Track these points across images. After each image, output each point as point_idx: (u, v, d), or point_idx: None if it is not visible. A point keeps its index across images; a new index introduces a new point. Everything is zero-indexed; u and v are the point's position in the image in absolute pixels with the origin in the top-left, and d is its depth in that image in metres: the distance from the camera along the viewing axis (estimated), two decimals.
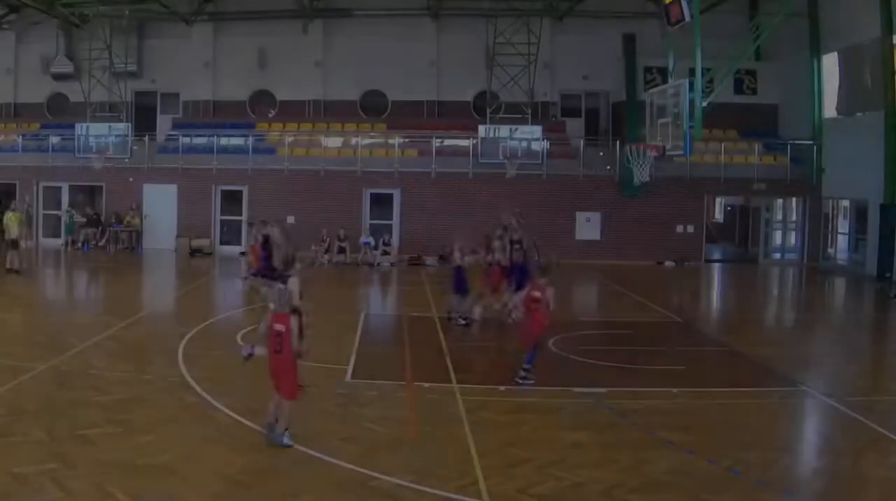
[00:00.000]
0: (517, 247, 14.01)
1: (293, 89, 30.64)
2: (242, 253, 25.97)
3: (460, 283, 14.31)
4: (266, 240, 15.06)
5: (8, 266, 19.44)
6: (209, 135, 27.94)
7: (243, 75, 30.83)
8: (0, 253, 19.96)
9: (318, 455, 7.48)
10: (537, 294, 10.31)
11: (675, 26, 15.55)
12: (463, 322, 14.18)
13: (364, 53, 30.29)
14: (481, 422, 8.66)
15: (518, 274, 13.72)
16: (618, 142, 26.77)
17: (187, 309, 16.03)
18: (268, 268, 14.58)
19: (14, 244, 19.90)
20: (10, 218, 20.23)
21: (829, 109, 26.29)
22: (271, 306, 7.86)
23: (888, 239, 22.28)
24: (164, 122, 31.00)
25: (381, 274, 23.45)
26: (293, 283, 7.94)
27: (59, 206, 27.54)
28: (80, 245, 26.25)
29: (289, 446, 7.61)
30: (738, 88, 28.47)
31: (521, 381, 10.18)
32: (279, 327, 7.65)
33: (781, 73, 28.89)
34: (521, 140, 26.20)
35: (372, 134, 28.74)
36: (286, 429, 7.68)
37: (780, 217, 28.31)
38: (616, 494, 6.80)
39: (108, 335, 12.69)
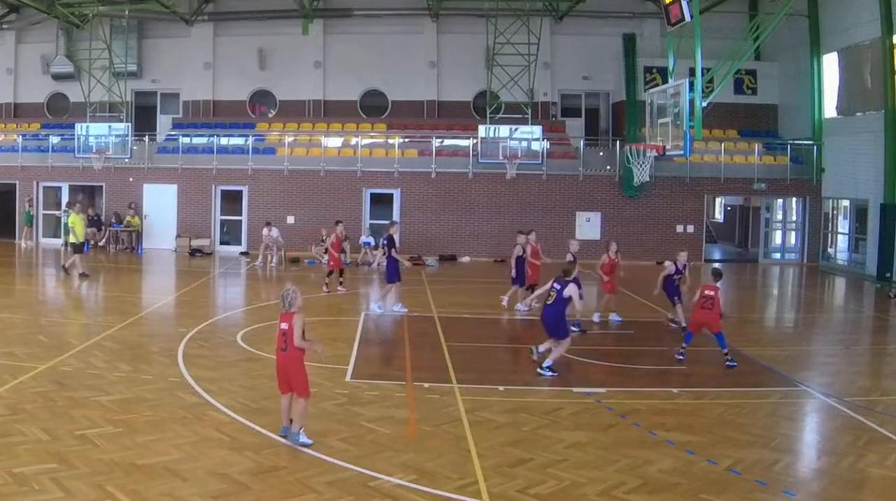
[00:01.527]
0: (680, 275, 14.85)
1: (293, 89, 30.72)
2: (244, 253, 26.10)
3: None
4: (391, 241, 16.02)
5: (81, 270, 19.37)
6: (209, 135, 27.99)
7: (243, 75, 30.90)
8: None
9: (318, 455, 7.49)
10: (710, 292, 11.89)
11: (675, 26, 15.57)
12: (577, 330, 13.84)
13: (364, 53, 30.38)
14: (481, 422, 8.66)
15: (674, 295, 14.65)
16: (618, 142, 26.80)
17: (187, 309, 16.01)
18: (391, 266, 15.76)
19: (79, 248, 19.77)
20: (73, 219, 19.99)
21: (829, 109, 26.28)
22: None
23: (888, 239, 22.29)
24: (164, 122, 31.06)
25: (382, 273, 23.37)
26: (572, 289, 10.63)
27: (58, 207, 27.56)
28: None
29: (308, 444, 7.67)
30: (738, 88, 28.52)
31: (729, 364, 11.62)
32: (284, 326, 7.82)
33: (781, 73, 28.91)
34: (521, 140, 26.17)
35: (372, 134, 28.75)
36: (301, 428, 7.76)
37: (780, 217, 28.34)
38: (616, 494, 6.80)
39: (108, 335, 12.69)
